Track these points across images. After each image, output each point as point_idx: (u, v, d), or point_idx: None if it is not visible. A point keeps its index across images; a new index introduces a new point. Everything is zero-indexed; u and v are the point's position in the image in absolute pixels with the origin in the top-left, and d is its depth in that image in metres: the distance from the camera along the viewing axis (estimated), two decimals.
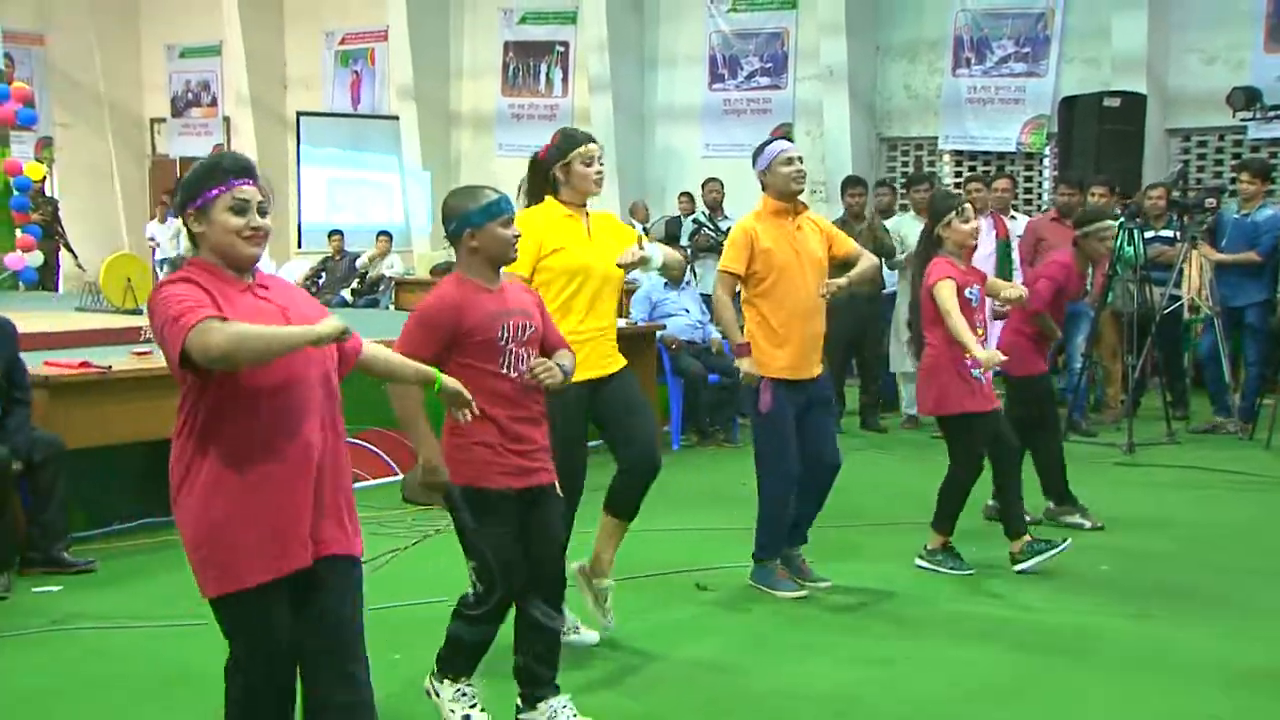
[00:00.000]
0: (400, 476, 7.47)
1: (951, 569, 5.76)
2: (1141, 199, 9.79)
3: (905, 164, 14.41)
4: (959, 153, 14.00)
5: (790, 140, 5.59)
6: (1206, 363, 9.77)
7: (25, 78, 16.69)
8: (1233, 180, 10.63)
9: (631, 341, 9.30)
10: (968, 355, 5.57)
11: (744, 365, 5.37)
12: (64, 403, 6.07)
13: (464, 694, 3.95)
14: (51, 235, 15.08)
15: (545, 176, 4.74)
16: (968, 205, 5.88)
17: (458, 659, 3.97)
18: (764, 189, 5.41)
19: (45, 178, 14.97)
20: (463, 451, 3.79)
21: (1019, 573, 5.68)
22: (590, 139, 4.77)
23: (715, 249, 10.31)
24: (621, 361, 4.81)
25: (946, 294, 5.61)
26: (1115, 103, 11.52)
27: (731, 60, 15.43)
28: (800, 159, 5.29)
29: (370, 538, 6.16)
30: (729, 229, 10.36)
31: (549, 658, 3.95)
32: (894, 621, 5.14)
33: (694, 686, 4.41)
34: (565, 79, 16.89)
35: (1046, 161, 13.17)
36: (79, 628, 5.06)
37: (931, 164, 14.05)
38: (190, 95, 21.19)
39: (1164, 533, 6.55)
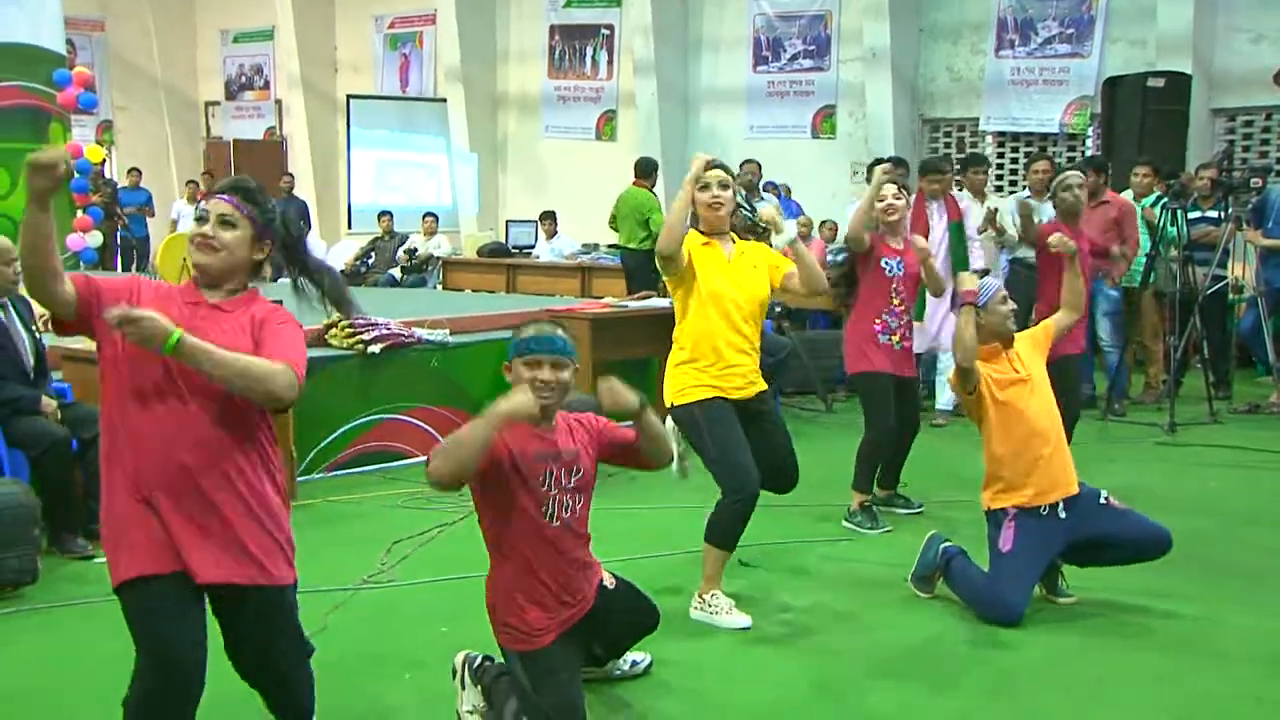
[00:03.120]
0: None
1: (870, 529, 5.98)
2: (1187, 180, 9.64)
3: (948, 145, 14.28)
4: (1002, 134, 13.86)
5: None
6: (1250, 339, 9.65)
7: (86, 62, 16.81)
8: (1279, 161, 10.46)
9: (669, 325, 9.31)
10: None
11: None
12: None
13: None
14: (111, 216, 15.24)
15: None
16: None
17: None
18: None
19: (105, 160, 15.10)
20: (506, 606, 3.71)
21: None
22: (712, 165, 4.70)
23: (753, 229, 10.25)
24: (761, 385, 4.81)
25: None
26: (1159, 83, 11.37)
27: (775, 43, 15.34)
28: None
29: (418, 513, 6.29)
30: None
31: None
32: (933, 597, 5.10)
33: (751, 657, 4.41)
34: (610, 62, 16.85)
35: (1090, 143, 13.01)
36: None
37: (974, 145, 13.91)
38: (243, 79, 21.33)
39: (1206, 513, 6.46)
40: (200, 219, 3.05)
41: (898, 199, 6.11)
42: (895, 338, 6.07)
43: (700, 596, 4.74)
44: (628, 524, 5.96)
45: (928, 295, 8.88)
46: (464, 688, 3.85)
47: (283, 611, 3.14)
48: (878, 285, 6.06)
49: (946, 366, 8.95)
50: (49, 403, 5.78)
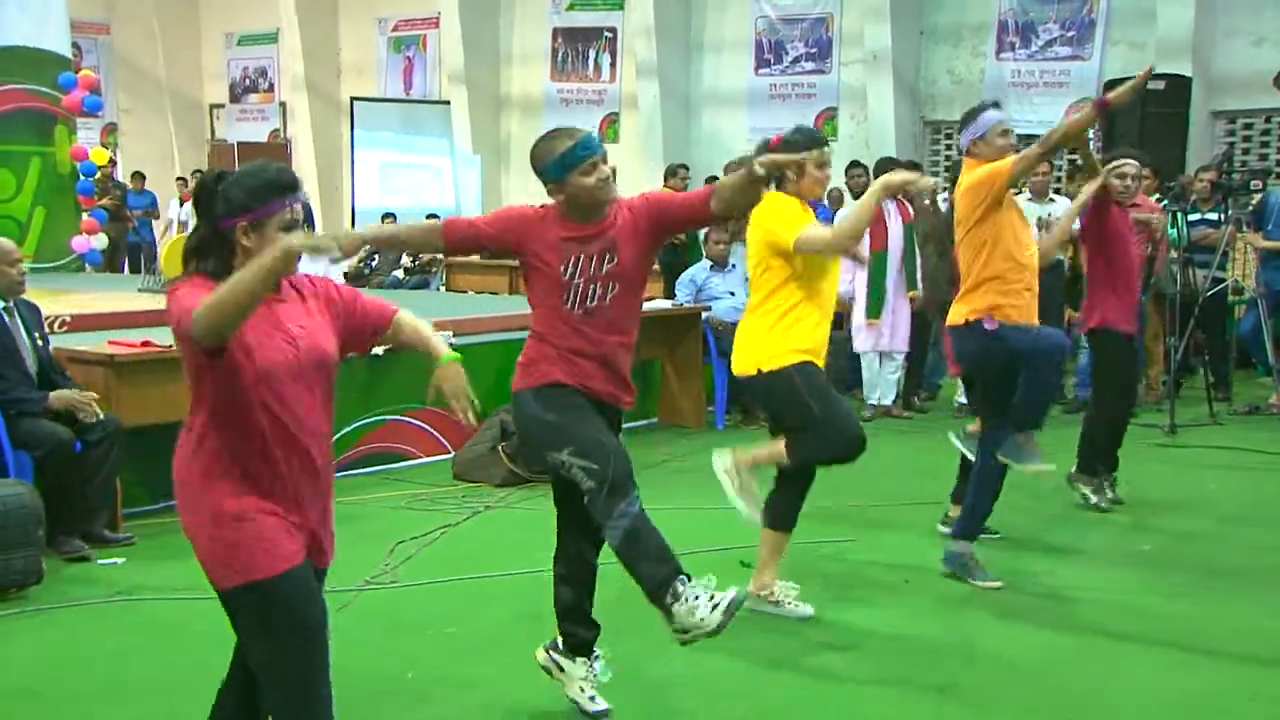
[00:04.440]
0: (451, 455, 7.52)
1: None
2: (1187, 182, 9.64)
3: (949, 148, 14.29)
4: None
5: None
6: (1250, 341, 9.65)
7: (91, 66, 16.84)
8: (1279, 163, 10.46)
9: (677, 323, 9.36)
10: None
11: None
12: (127, 380, 6.15)
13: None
14: (122, 219, 15.23)
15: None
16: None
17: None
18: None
19: (111, 162, 15.11)
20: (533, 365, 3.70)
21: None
22: (825, 142, 4.71)
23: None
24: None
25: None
26: (1160, 85, 11.35)
27: (777, 45, 15.34)
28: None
29: (423, 514, 6.30)
30: None
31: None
32: (936, 597, 5.11)
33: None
34: (613, 64, 16.86)
35: (1091, 145, 12.97)
36: (143, 598, 5.14)
37: None
38: (248, 82, 21.35)
39: (1205, 513, 6.47)
40: (289, 229, 2.78)
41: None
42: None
43: (762, 585, 4.81)
44: None
45: (888, 289, 9.00)
46: (562, 667, 3.89)
47: None
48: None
49: (897, 369, 9.18)
50: (62, 393, 5.79)
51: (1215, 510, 6.54)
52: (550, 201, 3.68)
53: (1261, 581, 5.31)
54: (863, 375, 9.29)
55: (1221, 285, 9.37)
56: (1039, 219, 8.52)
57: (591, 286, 3.58)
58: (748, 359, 4.69)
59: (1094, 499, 6.41)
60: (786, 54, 15.30)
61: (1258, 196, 9.53)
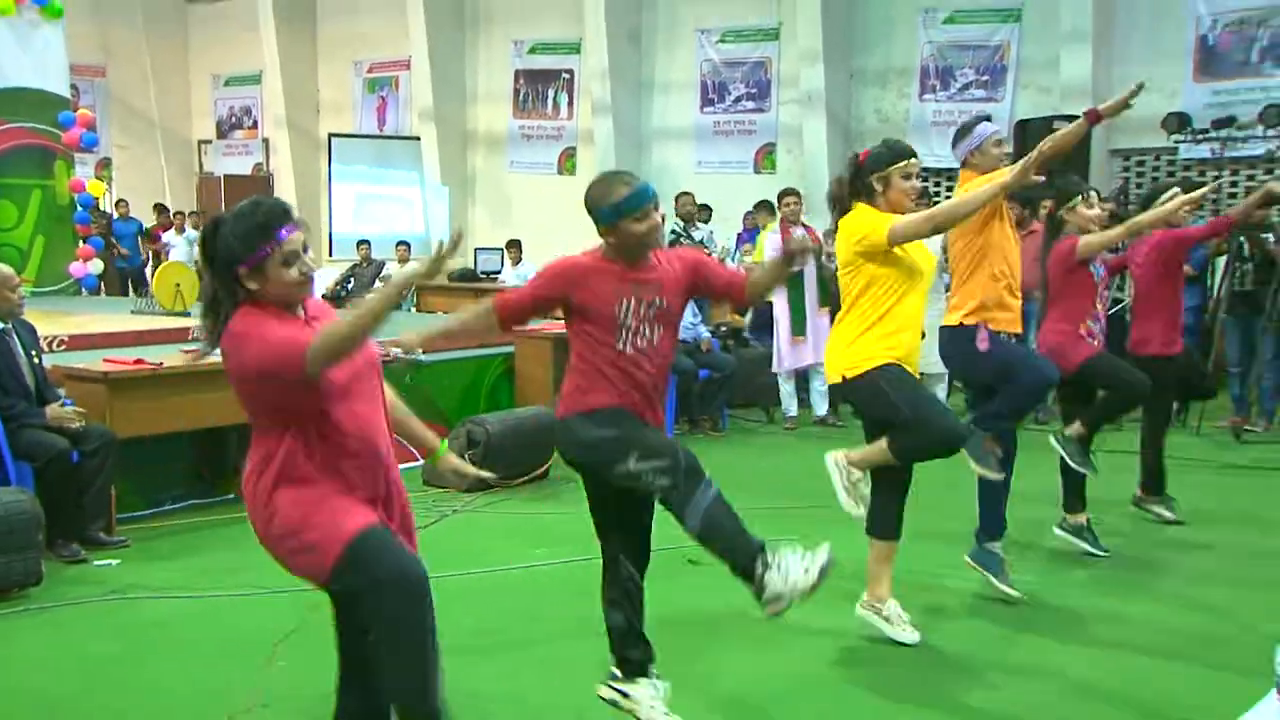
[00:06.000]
0: (420, 462, 7.49)
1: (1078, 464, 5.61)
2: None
3: None
4: (925, 169, 13.96)
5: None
6: None
7: (88, 105, 16.65)
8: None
9: None
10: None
11: None
12: (121, 396, 6.10)
13: None
14: (108, 246, 15.08)
15: (863, 181, 4.38)
16: (1093, 191, 5.82)
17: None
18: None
19: (105, 195, 14.98)
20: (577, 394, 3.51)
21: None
22: (913, 154, 4.40)
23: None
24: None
25: (1095, 241, 5.53)
26: (1064, 126, 11.52)
27: (720, 86, 15.45)
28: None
29: None
30: (701, 238, 10.43)
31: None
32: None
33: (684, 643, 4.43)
34: (570, 103, 16.90)
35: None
36: (137, 597, 5.10)
37: None
38: (233, 119, 21.21)
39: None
40: (290, 262, 2.75)
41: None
42: (1095, 343, 5.67)
43: (875, 597, 4.51)
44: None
45: (806, 311, 9.10)
46: (627, 694, 3.62)
47: None
48: (1084, 289, 5.66)
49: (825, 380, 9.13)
50: (54, 410, 5.75)
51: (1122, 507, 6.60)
52: (592, 247, 3.52)
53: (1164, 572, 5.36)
54: (780, 391, 9.36)
55: (1120, 305, 9.52)
56: None
57: (642, 327, 3.43)
58: (834, 367, 4.45)
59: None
60: (729, 94, 15.41)
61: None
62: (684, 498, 3.28)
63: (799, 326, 9.12)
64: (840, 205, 4.44)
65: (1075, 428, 5.67)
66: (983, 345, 4.76)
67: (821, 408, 9.28)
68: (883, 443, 4.37)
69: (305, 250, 2.81)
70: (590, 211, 3.44)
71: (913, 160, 4.34)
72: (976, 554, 5.06)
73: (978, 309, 4.79)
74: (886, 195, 4.32)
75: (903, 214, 4.32)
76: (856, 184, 4.38)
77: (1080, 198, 5.65)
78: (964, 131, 5.01)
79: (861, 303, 4.35)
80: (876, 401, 4.34)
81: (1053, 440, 5.70)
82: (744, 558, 3.24)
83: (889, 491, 4.47)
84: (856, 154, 4.43)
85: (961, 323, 4.83)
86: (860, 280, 4.34)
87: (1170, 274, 6.26)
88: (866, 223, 4.30)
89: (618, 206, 3.37)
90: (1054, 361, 5.16)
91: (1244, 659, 4.22)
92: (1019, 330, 4.93)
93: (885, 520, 4.48)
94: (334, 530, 2.75)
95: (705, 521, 3.27)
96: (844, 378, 4.39)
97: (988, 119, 5.20)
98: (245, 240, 2.74)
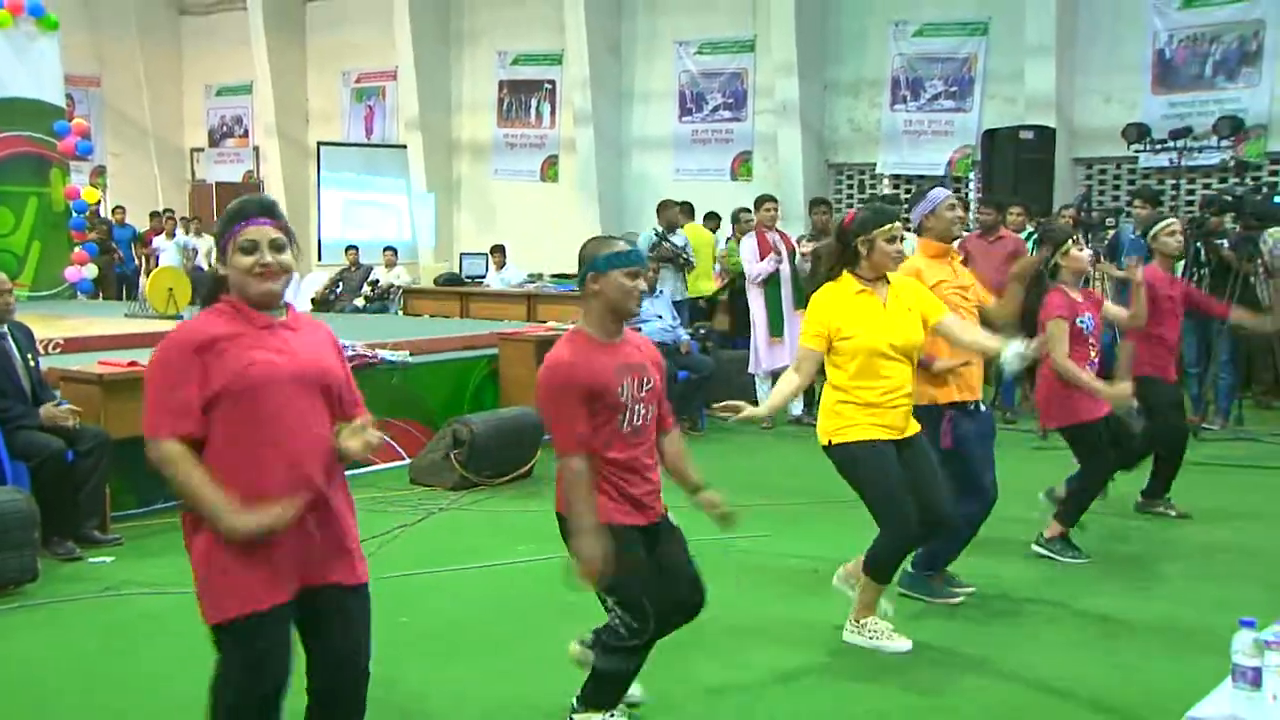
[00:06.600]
0: (408, 461, 7.49)
1: (1071, 558, 5.53)
2: (1054, 219, 9.85)
3: (850, 187, 14.50)
4: (896, 176, 14.07)
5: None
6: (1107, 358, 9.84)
7: (84, 114, 16.60)
8: (1129, 203, 10.72)
9: None
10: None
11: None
12: (115, 397, 6.08)
13: None
14: (107, 251, 15.00)
15: (848, 245, 4.27)
16: (1079, 237, 5.67)
17: (607, 691, 3.56)
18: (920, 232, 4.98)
19: (100, 201, 14.91)
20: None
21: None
22: (897, 216, 4.29)
23: (673, 259, 10.41)
24: (916, 427, 4.35)
25: (1058, 334, 5.34)
26: (1029, 135, 11.66)
27: (698, 96, 15.47)
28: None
29: (379, 515, 6.27)
30: (684, 244, 10.45)
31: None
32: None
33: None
34: (553, 112, 16.89)
35: (972, 185, 13.26)
36: (131, 593, 5.08)
37: (873, 187, 14.15)
38: (225, 128, 21.13)
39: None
40: (249, 249, 2.73)
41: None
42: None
43: (856, 621, 4.42)
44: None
45: (784, 312, 9.12)
46: None
47: (368, 608, 3.00)
48: (1077, 341, 5.47)
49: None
50: (48, 409, 5.72)
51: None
52: (570, 325, 3.47)
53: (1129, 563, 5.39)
54: (757, 392, 9.36)
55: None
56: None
57: (638, 406, 3.40)
58: (821, 429, 4.34)
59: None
60: (707, 104, 15.44)
61: (1111, 232, 9.77)
62: (614, 649, 3.45)
63: (776, 328, 9.15)
64: (831, 273, 4.35)
65: (1053, 527, 5.61)
66: (945, 441, 4.65)
67: (797, 408, 9.30)
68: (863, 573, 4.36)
69: (281, 249, 2.76)
70: (583, 263, 3.42)
71: (896, 224, 4.24)
72: (908, 581, 4.93)
73: (943, 393, 4.71)
74: (870, 259, 4.23)
75: (883, 272, 4.27)
76: (840, 246, 4.30)
77: (1071, 241, 5.58)
78: (918, 197, 4.99)
79: (838, 369, 4.28)
80: (847, 475, 4.30)
81: (1035, 547, 5.62)
82: (602, 699, 3.54)
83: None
84: (842, 219, 4.36)
85: (933, 400, 4.69)
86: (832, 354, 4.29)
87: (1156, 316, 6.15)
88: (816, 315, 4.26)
89: (612, 259, 3.37)
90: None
91: (1210, 645, 4.25)
92: (976, 392, 4.82)
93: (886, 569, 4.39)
94: (217, 603, 2.75)
95: (604, 666, 3.49)
96: (830, 442, 4.30)
97: (941, 185, 5.17)
98: (219, 232, 2.81)
